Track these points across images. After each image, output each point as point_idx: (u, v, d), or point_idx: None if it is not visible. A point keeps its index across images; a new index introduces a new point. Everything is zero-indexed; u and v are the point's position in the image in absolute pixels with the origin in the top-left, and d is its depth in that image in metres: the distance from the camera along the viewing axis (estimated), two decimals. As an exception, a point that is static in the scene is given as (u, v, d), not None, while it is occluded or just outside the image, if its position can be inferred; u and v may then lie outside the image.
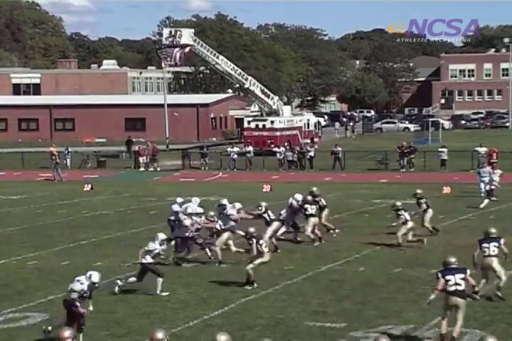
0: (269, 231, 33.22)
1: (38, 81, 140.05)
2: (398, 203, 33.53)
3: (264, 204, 34.97)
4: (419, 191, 35.88)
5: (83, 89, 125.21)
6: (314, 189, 36.07)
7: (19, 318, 23.51)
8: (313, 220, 34.13)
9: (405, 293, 25.46)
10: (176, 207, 34.40)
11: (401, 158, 68.20)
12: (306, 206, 34.22)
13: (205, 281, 27.22)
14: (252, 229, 26.54)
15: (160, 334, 15.72)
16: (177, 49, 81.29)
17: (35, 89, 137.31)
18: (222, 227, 31.29)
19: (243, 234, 28.67)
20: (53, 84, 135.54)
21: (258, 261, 26.01)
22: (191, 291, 26.09)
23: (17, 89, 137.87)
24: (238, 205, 33.28)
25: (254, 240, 26.52)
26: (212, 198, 48.90)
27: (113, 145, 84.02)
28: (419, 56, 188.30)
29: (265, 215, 33.94)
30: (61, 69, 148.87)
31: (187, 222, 31.25)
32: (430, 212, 35.23)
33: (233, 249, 30.81)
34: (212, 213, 32.34)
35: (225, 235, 30.92)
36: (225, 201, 34.34)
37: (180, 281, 27.16)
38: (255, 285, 25.93)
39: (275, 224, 33.67)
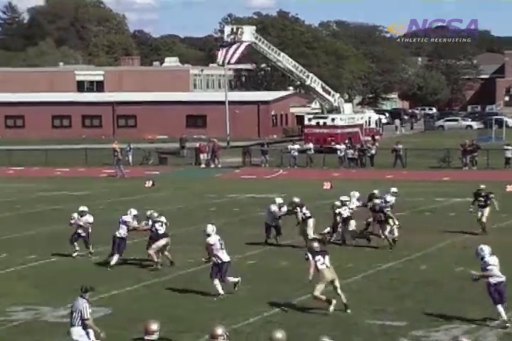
0: (310, 230, 33.07)
1: (101, 78, 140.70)
2: (296, 199, 33.25)
3: (297, 200, 34.62)
4: (482, 186, 35.76)
5: (145, 86, 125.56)
6: (297, 200, 33.92)
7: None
8: (312, 221, 33.51)
9: (468, 293, 25.23)
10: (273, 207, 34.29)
11: (464, 156, 67.82)
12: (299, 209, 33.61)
13: (266, 278, 27.30)
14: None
15: (219, 331, 15.65)
16: (237, 45, 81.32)
17: (99, 86, 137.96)
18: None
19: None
20: (116, 81, 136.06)
21: (320, 286, 24.13)
22: (251, 288, 26.21)
23: (81, 86, 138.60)
24: (134, 211, 31.33)
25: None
26: (271, 195, 49.01)
27: (174, 142, 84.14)
28: (484, 53, 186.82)
29: (299, 213, 33.34)
30: (124, 67, 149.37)
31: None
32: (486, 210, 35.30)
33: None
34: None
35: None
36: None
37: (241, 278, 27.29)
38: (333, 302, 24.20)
39: (311, 221, 33.16)
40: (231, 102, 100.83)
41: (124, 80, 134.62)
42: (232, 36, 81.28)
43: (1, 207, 46.93)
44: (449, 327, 21.27)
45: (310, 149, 74.59)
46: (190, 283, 26.26)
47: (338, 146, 73.82)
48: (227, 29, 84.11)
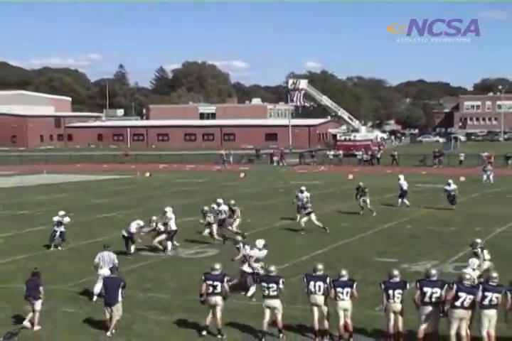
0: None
1: (214, 111, 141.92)
2: (206, 208, 25.73)
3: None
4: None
5: (240, 116, 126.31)
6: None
7: (201, 252, 23.78)
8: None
9: (435, 241, 24.92)
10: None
11: (434, 159, 67.22)
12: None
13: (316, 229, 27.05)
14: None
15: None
16: (297, 91, 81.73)
17: (213, 116, 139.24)
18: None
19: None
20: (223, 113, 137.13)
21: None
22: (304, 235, 25.99)
23: (202, 116, 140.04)
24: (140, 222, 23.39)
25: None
26: (316, 182, 48.80)
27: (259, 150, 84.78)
28: (446, 96, 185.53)
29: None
30: (228, 104, 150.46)
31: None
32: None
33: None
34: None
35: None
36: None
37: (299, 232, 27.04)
38: None
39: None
40: (292, 126, 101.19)
41: (227, 112, 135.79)
42: (293, 85, 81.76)
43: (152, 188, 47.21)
44: (423, 263, 20.85)
45: (340, 154, 74.64)
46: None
47: (357, 152, 73.73)
48: (290, 81, 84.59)
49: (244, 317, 15.58)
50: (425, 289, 13.47)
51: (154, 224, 23.59)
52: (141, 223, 23.01)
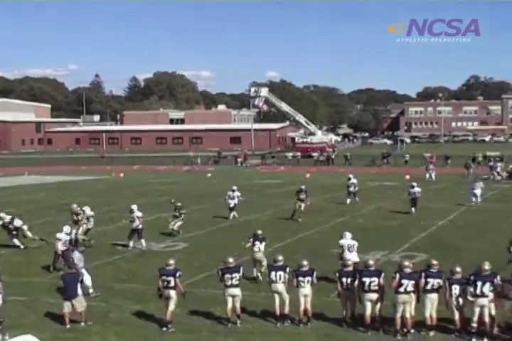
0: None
1: (182, 117, 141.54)
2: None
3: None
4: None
5: (207, 121, 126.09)
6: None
7: (173, 246, 23.67)
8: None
9: (384, 234, 25.01)
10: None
11: (382, 159, 67.74)
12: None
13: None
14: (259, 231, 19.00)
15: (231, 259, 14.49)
16: (259, 98, 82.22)
17: (182, 122, 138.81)
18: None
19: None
20: (191, 118, 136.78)
21: None
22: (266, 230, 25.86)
23: (172, 122, 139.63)
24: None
25: None
26: (275, 181, 48.87)
27: (223, 152, 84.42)
28: (393, 103, 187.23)
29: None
30: (195, 110, 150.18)
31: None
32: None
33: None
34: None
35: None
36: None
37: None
38: None
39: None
40: (255, 130, 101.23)
41: (195, 118, 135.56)
42: (255, 93, 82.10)
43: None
44: (374, 253, 20.90)
45: (298, 155, 74.84)
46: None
47: (313, 154, 74.06)
48: (252, 89, 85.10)
49: (209, 304, 15.63)
50: (364, 279, 13.75)
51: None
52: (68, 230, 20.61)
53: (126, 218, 23.45)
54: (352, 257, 17.10)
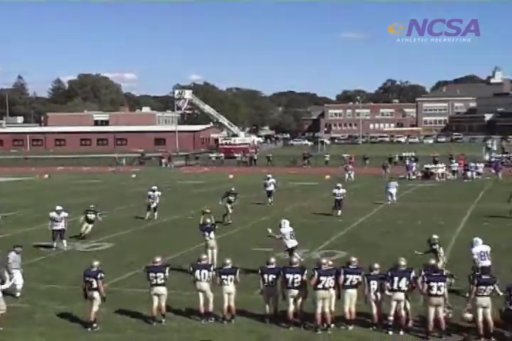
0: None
1: (107, 118, 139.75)
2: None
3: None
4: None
5: (132, 123, 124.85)
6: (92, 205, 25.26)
7: (97, 246, 23.27)
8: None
9: (305, 232, 24.07)
10: None
11: (303, 160, 68.32)
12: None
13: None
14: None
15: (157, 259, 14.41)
16: (182, 100, 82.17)
17: (106, 123, 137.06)
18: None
19: None
20: (116, 120, 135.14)
21: None
22: (190, 229, 25.71)
23: (96, 123, 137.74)
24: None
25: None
26: (199, 182, 48.70)
27: (147, 153, 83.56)
28: (313, 105, 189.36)
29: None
30: (120, 112, 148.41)
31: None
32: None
33: None
34: None
35: None
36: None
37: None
38: None
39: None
40: (179, 131, 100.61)
41: (120, 119, 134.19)
42: (179, 95, 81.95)
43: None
44: (295, 251, 21.05)
45: (221, 156, 74.85)
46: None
47: (236, 155, 74.22)
48: (177, 92, 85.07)
49: (135, 303, 15.44)
50: (287, 275, 13.87)
51: None
52: None
53: (51, 219, 22.89)
54: (293, 242, 18.80)
